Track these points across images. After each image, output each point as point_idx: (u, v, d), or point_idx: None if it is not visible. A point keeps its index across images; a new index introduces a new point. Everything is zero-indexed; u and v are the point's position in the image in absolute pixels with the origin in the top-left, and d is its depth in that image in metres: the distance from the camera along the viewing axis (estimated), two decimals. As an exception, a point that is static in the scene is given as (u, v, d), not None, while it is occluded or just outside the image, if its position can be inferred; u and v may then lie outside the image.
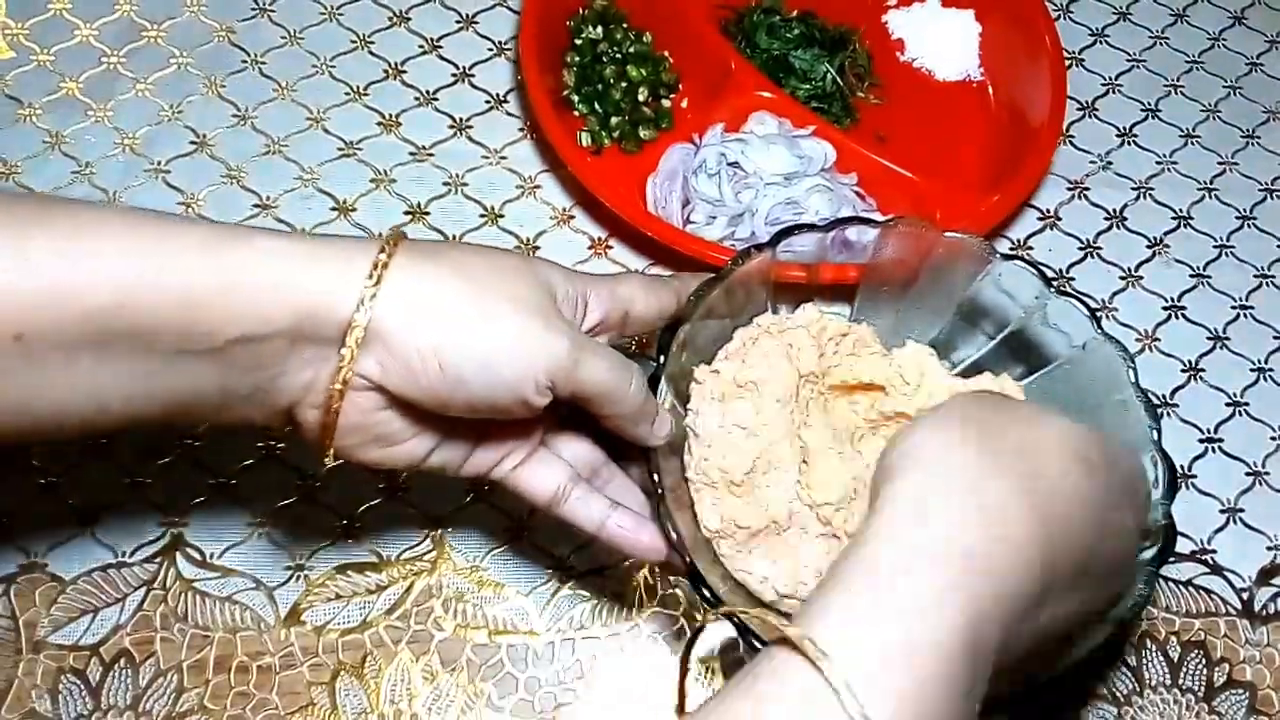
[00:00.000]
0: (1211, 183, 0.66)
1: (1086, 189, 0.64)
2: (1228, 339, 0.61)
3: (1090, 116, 0.67)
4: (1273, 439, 0.58)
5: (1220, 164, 0.66)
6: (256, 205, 0.56)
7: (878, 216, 0.55)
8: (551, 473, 0.41)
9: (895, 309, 0.50)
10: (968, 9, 0.68)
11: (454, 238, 0.57)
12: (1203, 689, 0.51)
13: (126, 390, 0.32)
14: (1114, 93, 0.68)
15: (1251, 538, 0.55)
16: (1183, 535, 0.54)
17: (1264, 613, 0.53)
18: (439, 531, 0.50)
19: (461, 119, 0.61)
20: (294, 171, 0.57)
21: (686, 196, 0.59)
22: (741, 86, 0.61)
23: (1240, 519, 0.55)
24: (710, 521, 0.42)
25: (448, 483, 0.50)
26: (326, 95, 0.60)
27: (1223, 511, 0.56)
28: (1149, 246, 0.63)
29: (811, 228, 0.45)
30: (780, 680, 0.28)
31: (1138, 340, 0.60)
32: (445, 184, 0.58)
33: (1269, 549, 0.55)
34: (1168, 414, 0.58)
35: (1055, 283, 0.60)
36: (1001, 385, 0.46)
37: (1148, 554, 0.40)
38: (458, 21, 0.64)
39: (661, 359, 0.42)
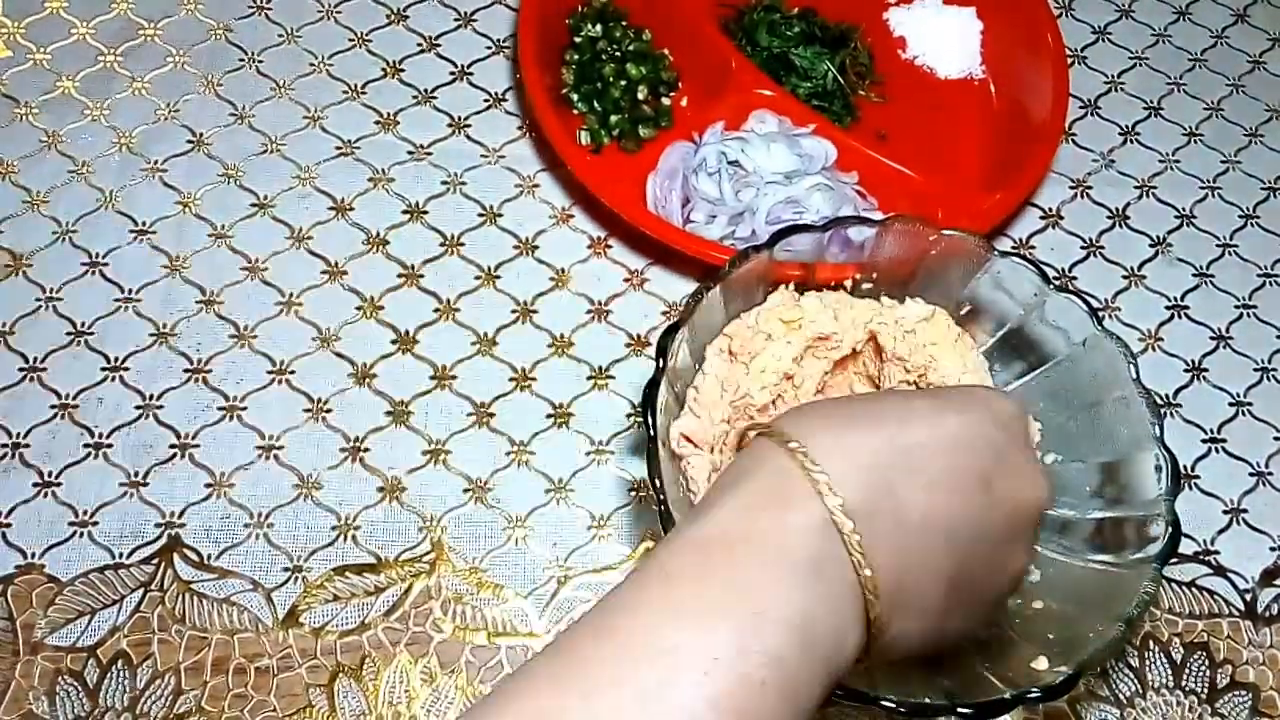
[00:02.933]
0: (1214, 181, 0.65)
1: (1089, 187, 0.64)
2: (1231, 338, 0.60)
3: (1092, 115, 0.67)
4: (1276, 439, 0.58)
5: (1223, 163, 0.66)
6: (254, 204, 0.56)
7: (876, 215, 0.54)
8: None
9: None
10: (969, 6, 0.67)
11: (452, 237, 0.57)
12: (1205, 691, 0.51)
13: None
14: (1116, 91, 0.68)
15: (1255, 539, 0.55)
16: (1186, 536, 0.53)
17: (1267, 614, 0.53)
18: (438, 533, 0.49)
19: (460, 117, 0.60)
20: (291, 170, 0.57)
21: (686, 195, 0.58)
22: (742, 84, 0.60)
23: (1243, 520, 0.55)
24: None
25: (446, 484, 0.50)
26: (324, 94, 0.60)
27: (1226, 512, 0.55)
28: (1151, 245, 0.63)
29: (808, 228, 0.45)
30: (759, 464, 0.32)
31: (1140, 340, 0.59)
32: (444, 183, 0.58)
33: (1272, 550, 0.55)
34: (1171, 414, 0.57)
35: (1055, 280, 0.59)
36: None
37: (1153, 549, 0.40)
38: (456, 19, 0.63)
39: (661, 362, 0.41)
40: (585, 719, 0.26)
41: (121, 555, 0.47)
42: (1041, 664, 0.38)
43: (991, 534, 0.35)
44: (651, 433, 0.40)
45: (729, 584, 0.29)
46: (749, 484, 0.32)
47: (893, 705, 0.36)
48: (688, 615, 0.28)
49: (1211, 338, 0.60)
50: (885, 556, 0.31)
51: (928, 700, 0.37)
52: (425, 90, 0.61)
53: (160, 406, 0.50)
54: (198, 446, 0.50)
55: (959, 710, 0.36)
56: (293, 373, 0.52)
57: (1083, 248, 0.62)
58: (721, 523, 0.31)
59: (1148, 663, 0.51)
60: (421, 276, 0.55)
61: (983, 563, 0.35)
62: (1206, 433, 0.57)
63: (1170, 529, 0.40)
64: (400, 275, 0.55)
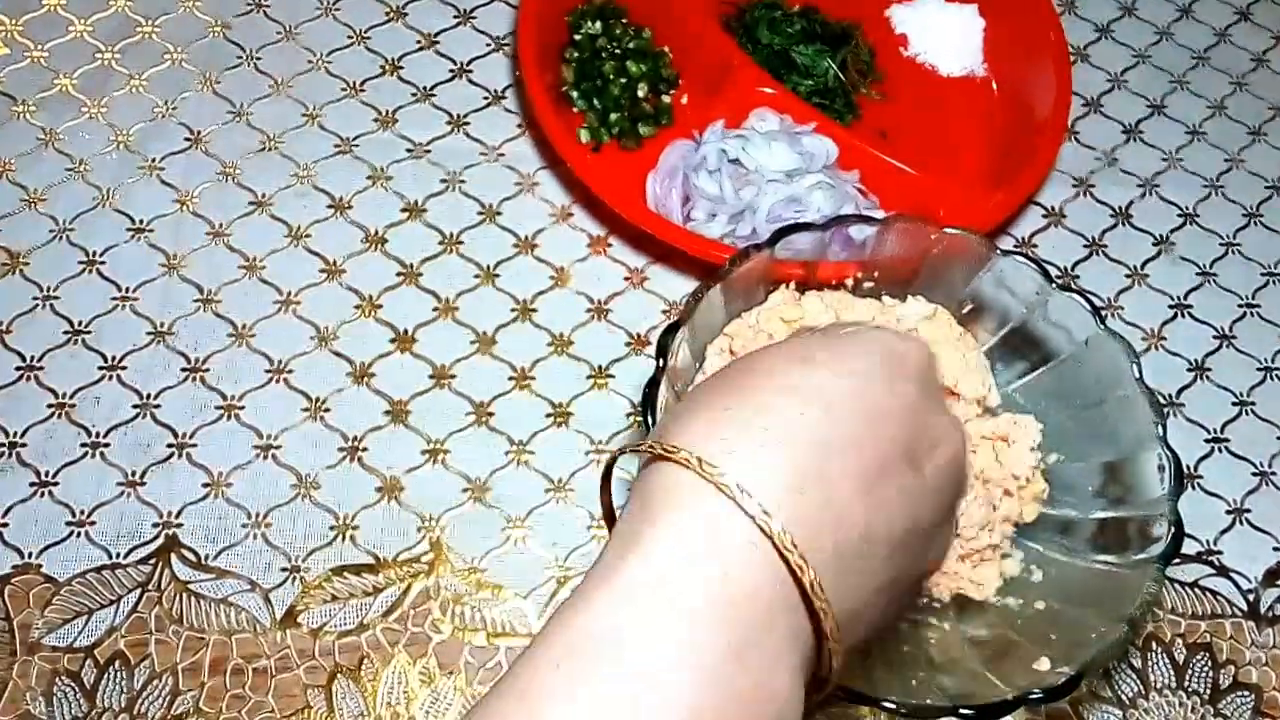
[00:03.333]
0: (1218, 180, 0.65)
1: (1092, 186, 0.64)
2: (1234, 338, 0.60)
3: (1095, 113, 0.66)
4: (1279, 439, 0.57)
5: (1227, 161, 0.66)
6: (252, 202, 0.56)
7: (877, 214, 0.54)
8: None
9: (896, 307, 0.49)
10: (971, 4, 0.67)
11: (451, 235, 0.56)
12: (1208, 691, 0.50)
13: None
14: (1119, 89, 0.68)
15: (1258, 539, 0.55)
16: (1189, 536, 0.53)
17: (1270, 615, 0.53)
18: (436, 533, 0.49)
19: (459, 115, 0.60)
20: (290, 168, 0.57)
21: (687, 193, 0.58)
22: (742, 82, 0.60)
23: (1247, 520, 0.55)
24: None
25: (445, 483, 0.50)
26: (323, 91, 0.59)
27: (1229, 512, 0.55)
28: (1155, 244, 0.62)
29: (809, 227, 0.45)
30: (670, 494, 0.27)
31: (1143, 339, 0.59)
32: (443, 181, 0.58)
33: (1275, 550, 0.54)
34: (1174, 414, 0.57)
35: (1058, 279, 0.59)
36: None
37: (1156, 549, 0.40)
38: (455, 16, 0.63)
39: (661, 361, 0.41)
40: None
41: (119, 555, 0.47)
42: (1044, 664, 0.38)
43: (923, 519, 0.32)
44: (651, 432, 0.40)
45: (630, 686, 0.24)
46: (663, 541, 0.26)
47: (894, 706, 0.35)
48: None
49: (1214, 337, 0.60)
50: (833, 595, 0.27)
51: (929, 701, 0.37)
52: (424, 88, 0.61)
53: (158, 405, 0.50)
54: (195, 446, 0.50)
55: (961, 711, 0.36)
56: (291, 372, 0.52)
57: (1085, 246, 0.62)
58: (636, 594, 0.26)
59: (1150, 663, 0.51)
60: (420, 275, 0.55)
61: (915, 555, 0.32)
62: (1209, 432, 0.57)
63: (1173, 529, 0.40)
64: (399, 274, 0.55)
